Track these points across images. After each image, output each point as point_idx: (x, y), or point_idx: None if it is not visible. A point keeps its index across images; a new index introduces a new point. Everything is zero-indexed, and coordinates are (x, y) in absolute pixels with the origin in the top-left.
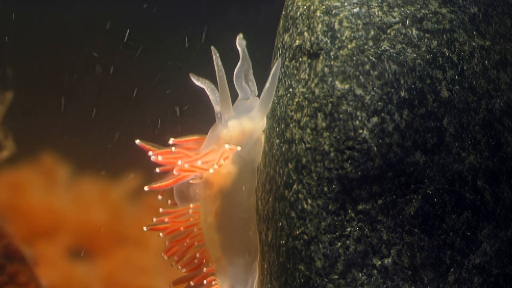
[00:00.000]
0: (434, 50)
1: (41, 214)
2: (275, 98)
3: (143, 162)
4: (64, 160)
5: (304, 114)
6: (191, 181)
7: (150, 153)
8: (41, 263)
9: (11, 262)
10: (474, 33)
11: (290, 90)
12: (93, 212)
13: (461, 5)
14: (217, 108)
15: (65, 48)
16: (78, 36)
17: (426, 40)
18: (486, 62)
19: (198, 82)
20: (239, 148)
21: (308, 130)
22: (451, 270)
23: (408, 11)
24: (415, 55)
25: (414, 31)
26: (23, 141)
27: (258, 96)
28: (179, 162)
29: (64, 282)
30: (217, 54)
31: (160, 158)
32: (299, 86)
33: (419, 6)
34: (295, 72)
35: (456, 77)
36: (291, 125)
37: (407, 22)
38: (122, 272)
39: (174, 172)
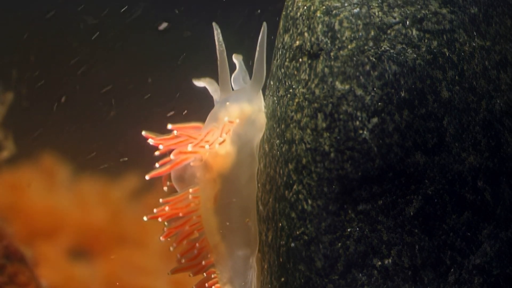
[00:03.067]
0: (434, 51)
1: (41, 214)
2: (275, 98)
3: (143, 162)
4: (64, 160)
5: (304, 114)
6: (191, 164)
7: (151, 140)
8: (41, 263)
9: (11, 262)
10: (475, 33)
11: (291, 90)
12: (93, 212)
13: (461, 6)
14: (215, 95)
15: (65, 48)
16: (78, 36)
17: (426, 41)
18: (486, 63)
19: (199, 83)
20: (237, 120)
21: (308, 131)
22: (452, 270)
23: (408, 12)
24: (415, 56)
25: (414, 31)
26: (23, 141)
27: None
28: (189, 148)
29: (64, 282)
30: (219, 30)
31: (161, 147)
32: (299, 87)
33: (419, 7)
34: (295, 72)
35: (456, 77)
36: (291, 126)
37: (407, 22)
38: (122, 272)
39: (171, 156)
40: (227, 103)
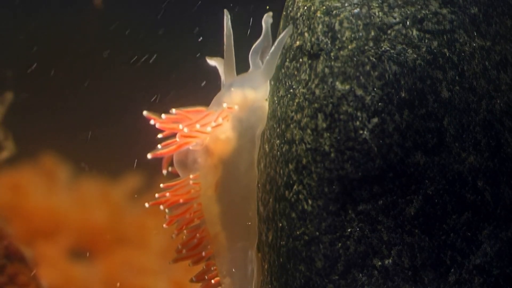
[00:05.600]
0: (435, 51)
1: (41, 214)
2: (275, 98)
3: (143, 162)
4: (64, 160)
5: (304, 114)
6: (191, 148)
7: (152, 121)
8: (41, 263)
9: (12, 262)
10: (475, 33)
11: (291, 90)
12: (93, 212)
13: (462, 6)
14: (223, 77)
15: (65, 48)
16: (78, 36)
17: (426, 41)
18: (487, 63)
19: (211, 61)
20: (236, 107)
21: (309, 131)
22: (452, 270)
23: (408, 12)
24: (415, 56)
25: (414, 31)
26: (23, 141)
27: None
28: (180, 126)
29: (64, 283)
30: (229, 16)
31: (163, 116)
32: (300, 87)
33: (419, 7)
34: (296, 72)
35: (457, 77)
36: (291, 126)
37: (408, 22)
38: (122, 272)
39: (177, 139)
40: (232, 88)
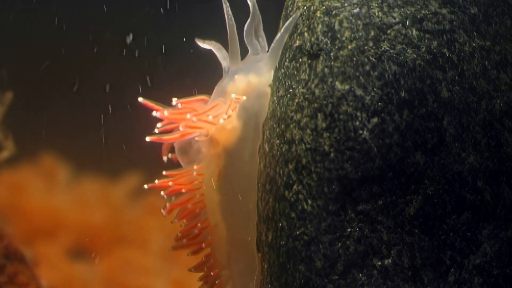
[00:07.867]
0: (434, 51)
1: (41, 214)
2: (275, 98)
3: (143, 162)
4: (64, 160)
5: (304, 114)
6: (196, 138)
7: (155, 113)
8: (41, 263)
9: (11, 262)
10: (474, 33)
11: (290, 90)
12: (93, 212)
13: (461, 6)
14: (224, 63)
15: (65, 48)
16: (77, 36)
17: (426, 41)
18: (486, 63)
19: (204, 44)
20: (244, 97)
21: (308, 131)
22: (451, 270)
23: (408, 12)
24: (415, 56)
25: (414, 31)
26: (23, 141)
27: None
28: (188, 116)
29: (64, 282)
30: (227, 4)
31: (166, 113)
32: (299, 87)
33: (419, 7)
34: (295, 72)
35: (456, 77)
36: (291, 126)
37: (407, 22)
38: (122, 272)
39: (180, 128)
40: (236, 76)
